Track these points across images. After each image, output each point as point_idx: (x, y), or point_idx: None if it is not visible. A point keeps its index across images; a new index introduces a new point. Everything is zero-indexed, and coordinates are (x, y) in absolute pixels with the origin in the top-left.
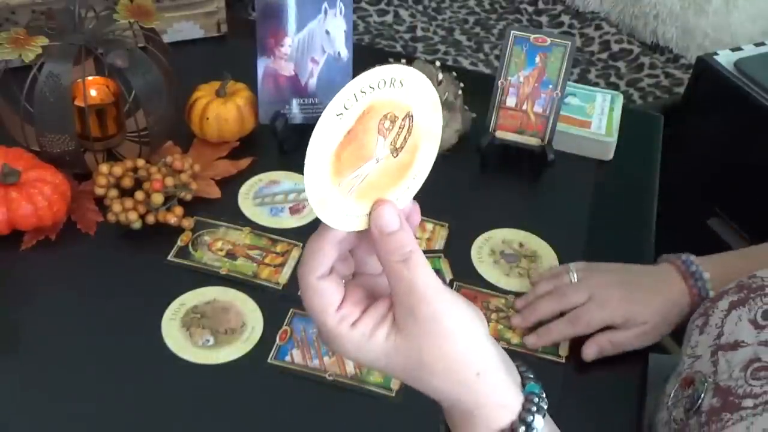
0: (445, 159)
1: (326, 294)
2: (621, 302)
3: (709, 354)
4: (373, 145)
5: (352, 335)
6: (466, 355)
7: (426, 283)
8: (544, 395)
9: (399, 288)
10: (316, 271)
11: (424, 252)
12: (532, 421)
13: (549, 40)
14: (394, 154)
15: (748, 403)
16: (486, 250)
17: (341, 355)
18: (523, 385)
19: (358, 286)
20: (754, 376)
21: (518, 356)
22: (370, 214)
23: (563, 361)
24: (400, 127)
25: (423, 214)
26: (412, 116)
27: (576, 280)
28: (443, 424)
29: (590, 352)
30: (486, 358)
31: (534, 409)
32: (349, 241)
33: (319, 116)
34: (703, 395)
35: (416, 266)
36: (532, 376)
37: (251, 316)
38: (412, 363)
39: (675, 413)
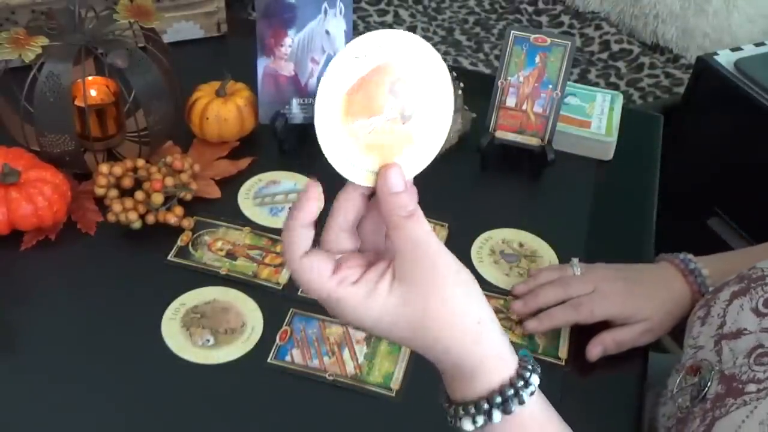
0: (445, 159)
1: (314, 266)
2: (624, 296)
3: (713, 344)
4: (383, 102)
5: (354, 293)
6: (466, 304)
7: (428, 235)
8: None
9: (401, 239)
10: (295, 252)
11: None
12: (530, 377)
13: (549, 40)
14: (402, 121)
15: (752, 388)
16: (486, 250)
17: (345, 320)
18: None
19: (356, 255)
20: (757, 362)
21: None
22: (377, 173)
23: (563, 363)
24: (410, 96)
25: (423, 213)
26: (426, 93)
27: (579, 273)
28: (443, 393)
29: (595, 351)
30: (484, 309)
31: (530, 367)
32: (348, 216)
33: None
34: (709, 383)
35: (419, 220)
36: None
37: (251, 316)
38: (417, 314)
39: (680, 401)
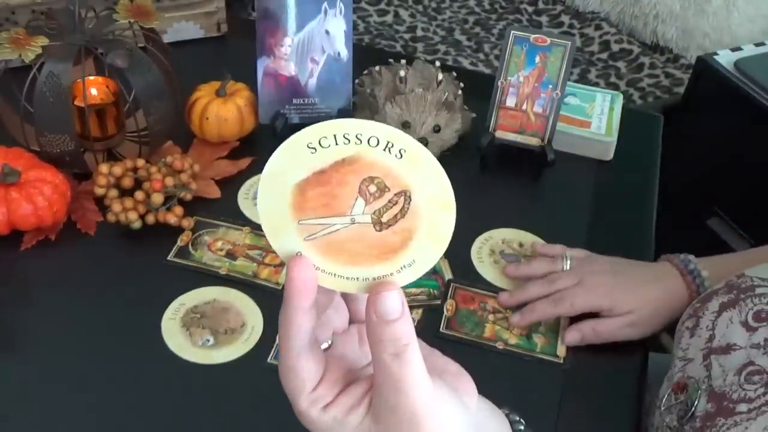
0: (445, 159)
1: (302, 374)
2: (609, 288)
3: (701, 358)
4: (349, 203)
5: (322, 419)
6: None
7: (414, 382)
8: None
9: (384, 381)
10: (293, 349)
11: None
12: None
13: (549, 40)
14: (377, 227)
15: (743, 407)
16: (486, 250)
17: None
18: None
19: (340, 360)
20: (748, 381)
21: (516, 357)
22: (357, 279)
23: (562, 361)
24: (390, 202)
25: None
26: (410, 198)
27: (568, 267)
28: None
29: (571, 337)
30: None
31: None
32: (329, 299)
33: (319, 116)
34: (696, 402)
35: (408, 363)
36: (522, 426)
37: (251, 316)
38: None
39: (668, 420)
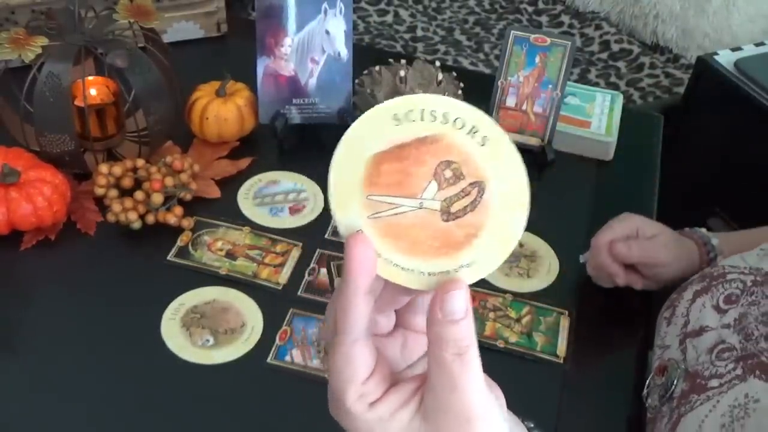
0: None
1: (356, 362)
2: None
3: (677, 343)
4: (421, 185)
5: (366, 416)
6: None
7: (472, 383)
8: None
9: (441, 381)
10: (351, 334)
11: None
12: None
13: (549, 40)
14: (444, 217)
15: (714, 383)
16: None
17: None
18: None
19: (384, 360)
20: (719, 357)
21: (516, 355)
22: (414, 272)
23: (561, 361)
24: (463, 191)
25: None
26: (483, 191)
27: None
28: None
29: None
30: None
31: None
32: (385, 290)
33: (319, 116)
34: (675, 381)
35: (468, 364)
36: None
37: (251, 316)
38: None
39: (650, 401)
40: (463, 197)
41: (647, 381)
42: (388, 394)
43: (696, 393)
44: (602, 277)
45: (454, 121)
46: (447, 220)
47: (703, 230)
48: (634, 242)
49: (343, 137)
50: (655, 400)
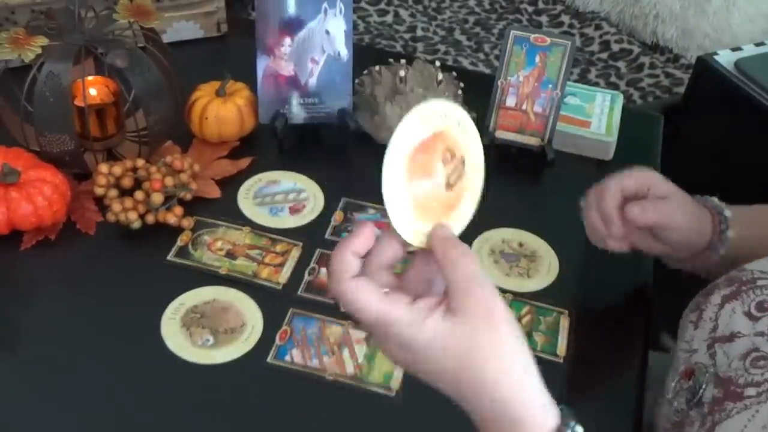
0: None
1: (363, 287)
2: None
3: (706, 347)
4: (435, 167)
5: (407, 312)
6: (515, 345)
7: (482, 273)
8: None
9: (457, 274)
10: (343, 273)
11: (422, 251)
12: (575, 426)
13: (549, 39)
14: (446, 188)
15: (751, 391)
16: (486, 250)
17: (390, 345)
18: None
19: (402, 290)
20: (753, 365)
21: None
22: (426, 233)
23: (561, 360)
24: (455, 167)
25: None
26: (464, 162)
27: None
28: None
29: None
30: (529, 356)
31: (573, 423)
32: (387, 256)
33: (319, 116)
34: (704, 386)
35: (473, 259)
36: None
37: (251, 315)
38: (467, 345)
39: (676, 404)
40: (454, 170)
41: (672, 384)
42: (417, 302)
43: (731, 400)
44: (596, 230)
45: (452, 117)
46: (447, 190)
47: (715, 199)
48: (649, 203)
49: (392, 140)
50: (681, 404)
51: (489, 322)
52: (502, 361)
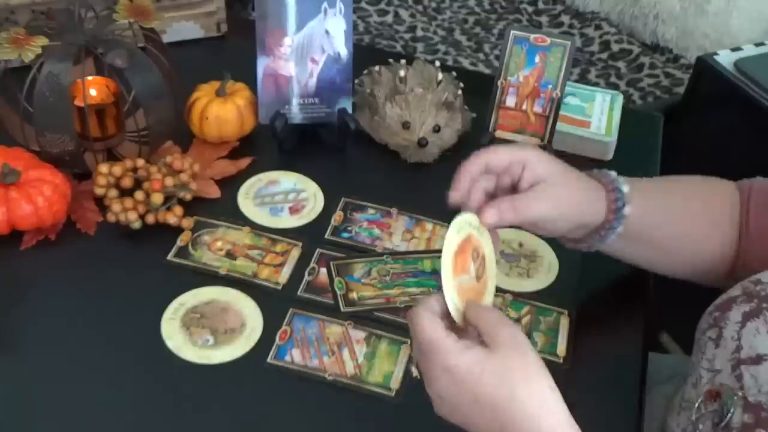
0: (444, 159)
1: (432, 319)
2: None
3: (730, 368)
4: (468, 264)
5: (454, 345)
6: (541, 369)
7: (506, 318)
8: None
9: (488, 323)
10: (427, 310)
11: (424, 252)
12: None
13: (549, 39)
14: (476, 280)
15: None
16: None
17: (435, 375)
18: None
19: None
20: None
21: None
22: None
23: (561, 361)
24: (480, 263)
25: (423, 213)
26: (484, 258)
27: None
28: None
29: (490, 216)
30: (551, 378)
31: None
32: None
33: (319, 116)
34: (732, 410)
35: (498, 312)
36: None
37: (251, 316)
38: (502, 367)
39: (702, 427)
40: (479, 266)
41: (696, 405)
42: (463, 334)
43: (763, 428)
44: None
45: (473, 225)
46: (477, 281)
47: (613, 173)
48: (506, 203)
49: (446, 249)
50: (707, 428)
51: (518, 350)
52: (531, 382)
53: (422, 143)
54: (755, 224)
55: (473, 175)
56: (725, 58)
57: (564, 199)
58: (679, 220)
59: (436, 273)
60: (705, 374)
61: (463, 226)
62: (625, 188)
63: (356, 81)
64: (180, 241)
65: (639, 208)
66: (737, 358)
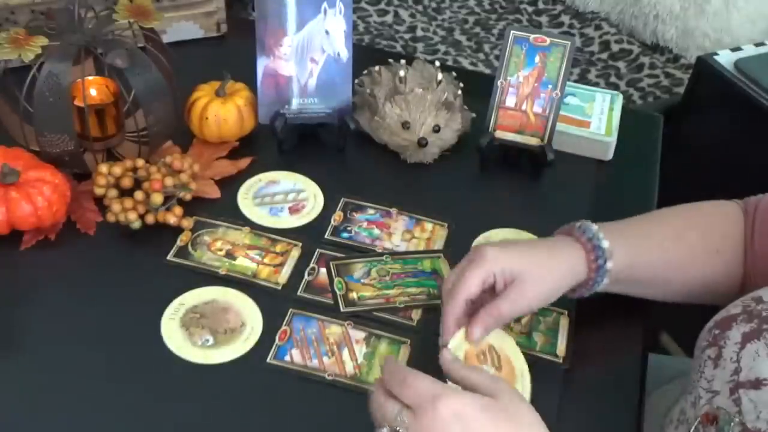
0: (445, 159)
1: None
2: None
3: (728, 391)
4: (480, 365)
5: (452, 388)
6: (533, 414)
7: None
8: None
9: (481, 384)
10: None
11: (424, 252)
12: None
13: (549, 40)
14: (499, 371)
15: None
16: None
17: (444, 419)
18: None
19: None
20: None
21: None
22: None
23: (561, 361)
24: (491, 356)
25: (423, 213)
26: (493, 347)
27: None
28: None
29: (477, 334)
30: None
31: None
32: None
33: (319, 116)
34: None
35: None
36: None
37: (250, 316)
38: (509, 408)
39: None
40: (490, 356)
41: (692, 428)
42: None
43: None
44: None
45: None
46: (500, 372)
47: (593, 227)
48: (484, 314)
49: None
50: None
51: (516, 396)
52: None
53: (422, 143)
54: (760, 242)
55: (458, 316)
56: (725, 58)
57: (540, 288)
58: (672, 257)
59: (436, 273)
60: (704, 394)
61: (459, 346)
62: (605, 244)
63: (356, 81)
64: (180, 241)
65: (624, 258)
66: (736, 381)
